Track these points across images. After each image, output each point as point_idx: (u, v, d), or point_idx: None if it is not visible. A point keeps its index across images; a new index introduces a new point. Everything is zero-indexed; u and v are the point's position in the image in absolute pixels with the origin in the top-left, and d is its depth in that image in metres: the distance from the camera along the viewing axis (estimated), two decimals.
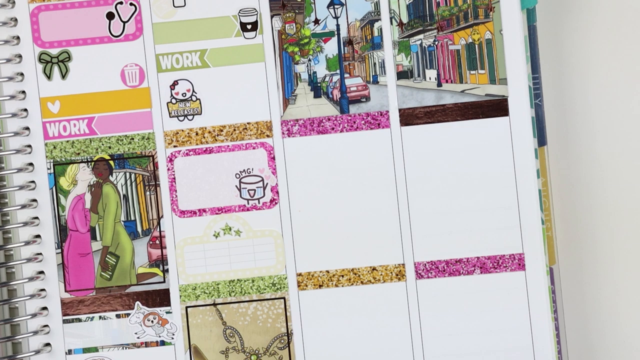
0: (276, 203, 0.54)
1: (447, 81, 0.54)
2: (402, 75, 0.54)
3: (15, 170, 0.54)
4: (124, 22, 0.54)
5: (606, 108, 0.56)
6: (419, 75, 0.54)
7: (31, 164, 0.54)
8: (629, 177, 0.56)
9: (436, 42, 0.54)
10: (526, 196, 0.53)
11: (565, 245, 0.57)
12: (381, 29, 0.54)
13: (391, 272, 0.54)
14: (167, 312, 0.54)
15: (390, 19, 0.54)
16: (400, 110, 0.54)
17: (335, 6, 0.54)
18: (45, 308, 0.54)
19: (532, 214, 0.53)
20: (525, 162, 0.53)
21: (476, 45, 0.54)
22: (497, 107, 0.53)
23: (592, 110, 0.56)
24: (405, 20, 0.54)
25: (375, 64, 0.54)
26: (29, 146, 0.54)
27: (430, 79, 0.54)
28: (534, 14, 0.54)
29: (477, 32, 0.53)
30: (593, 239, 0.56)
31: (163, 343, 0.54)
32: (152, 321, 0.54)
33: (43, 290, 0.54)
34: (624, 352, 0.57)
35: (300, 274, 0.54)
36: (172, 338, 0.54)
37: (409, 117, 0.54)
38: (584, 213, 0.57)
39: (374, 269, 0.54)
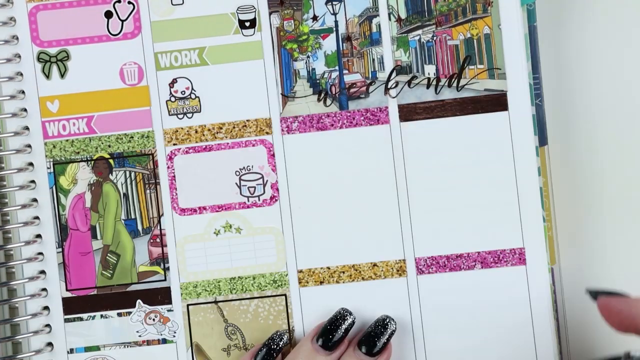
0: (276, 200, 0.54)
1: (445, 76, 0.54)
2: (400, 70, 0.54)
3: (15, 170, 0.54)
4: (122, 21, 0.54)
5: (606, 108, 0.56)
6: (417, 71, 0.54)
7: (31, 164, 0.54)
8: (629, 177, 0.56)
9: (435, 38, 0.54)
10: (527, 190, 0.53)
11: (565, 245, 0.56)
12: (379, 24, 0.54)
13: (392, 268, 0.54)
14: (168, 310, 0.54)
15: (389, 14, 0.54)
16: (399, 106, 0.54)
17: (334, 2, 0.54)
18: (46, 307, 0.54)
19: (532, 208, 0.53)
20: (525, 156, 0.53)
21: (474, 40, 0.54)
22: (496, 102, 0.53)
23: (593, 110, 0.56)
24: (403, 15, 0.54)
25: (374, 59, 0.54)
26: (29, 146, 0.54)
27: (429, 74, 0.54)
28: (534, 14, 0.54)
29: (475, 27, 0.53)
30: (593, 238, 0.56)
31: (165, 341, 0.54)
32: (154, 319, 0.54)
33: (44, 290, 0.54)
34: None
35: (301, 271, 0.54)
36: (174, 336, 0.54)
37: (408, 112, 0.54)
38: (584, 213, 0.56)
39: (374, 264, 0.54)
